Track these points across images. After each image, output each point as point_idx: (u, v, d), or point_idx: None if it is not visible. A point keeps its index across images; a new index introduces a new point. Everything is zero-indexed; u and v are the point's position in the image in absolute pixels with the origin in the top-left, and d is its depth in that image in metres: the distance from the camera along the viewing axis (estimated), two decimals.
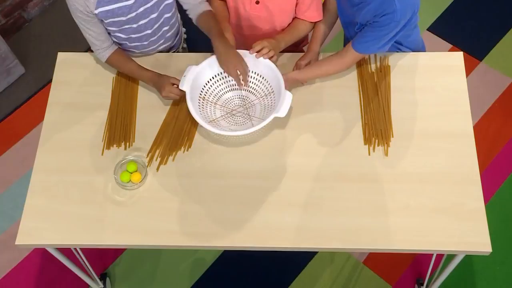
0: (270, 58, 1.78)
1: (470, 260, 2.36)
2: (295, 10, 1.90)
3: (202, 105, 1.79)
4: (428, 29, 2.97)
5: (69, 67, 1.96)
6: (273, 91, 1.78)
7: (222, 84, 1.85)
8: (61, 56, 1.99)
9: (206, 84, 1.82)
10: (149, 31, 1.84)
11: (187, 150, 1.78)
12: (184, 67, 1.79)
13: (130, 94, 1.89)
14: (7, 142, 2.72)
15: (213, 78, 1.82)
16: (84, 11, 1.68)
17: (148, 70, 1.84)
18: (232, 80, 1.83)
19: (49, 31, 3.06)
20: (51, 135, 1.82)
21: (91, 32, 1.76)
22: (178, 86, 1.75)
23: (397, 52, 1.94)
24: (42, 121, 1.85)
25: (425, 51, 2.00)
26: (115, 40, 1.86)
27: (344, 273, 2.36)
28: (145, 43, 1.89)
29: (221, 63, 1.77)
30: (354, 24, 1.77)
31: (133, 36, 1.84)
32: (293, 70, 1.86)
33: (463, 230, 1.61)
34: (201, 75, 1.79)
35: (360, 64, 1.91)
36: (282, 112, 1.68)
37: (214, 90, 1.84)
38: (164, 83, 1.78)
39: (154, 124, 1.83)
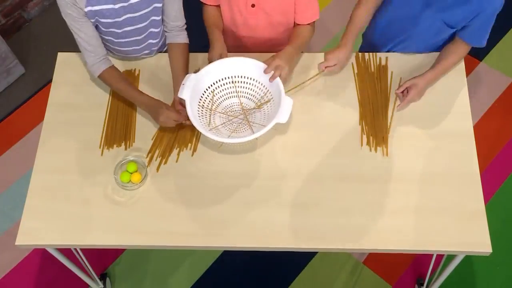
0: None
1: (470, 260, 2.36)
2: (294, 17, 1.88)
3: (202, 113, 1.78)
4: None
5: (69, 67, 1.96)
6: (272, 98, 1.76)
7: (221, 91, 1.82)
8: (61, 56, 1.99)
9: (205, 92, 1.79)
10: (134, 39, 1.82)
11: (187, 150, 1.78)
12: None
13: None
14: (7, 142, 2.72)
15: (211, 85, 1.80)
16: (73, 7, 1.64)
17: (143, 94, 1.78)
18: (230, 88, 1.81)
19: (49, 31, 3.05)
20: (51, 135, 1.82)
21: (82, 35, 1.72)
22: (175, 111, 1.72)
23: (397, 52, 1.94)
24: (42, 121, 1.85)
25: None
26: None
27: (344, 273, 2.36)
28: (129, 49, 1.87)
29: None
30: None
31: (116, 40, 1.82)
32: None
33: (463, 230, 1.61)
34: (199, 83, 1.76)
35: (360, 64, 1.91)
36: (283, 118, 1.66)
37: (213, 98, 1.82)
38: (160, 108, 1.72)
39: (154, 124, 1.82)
